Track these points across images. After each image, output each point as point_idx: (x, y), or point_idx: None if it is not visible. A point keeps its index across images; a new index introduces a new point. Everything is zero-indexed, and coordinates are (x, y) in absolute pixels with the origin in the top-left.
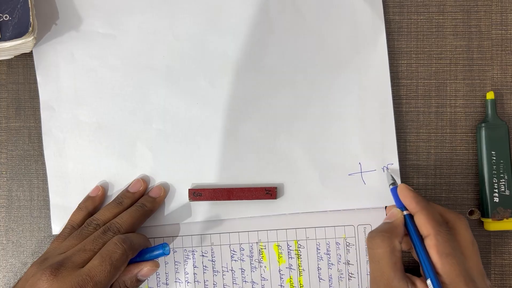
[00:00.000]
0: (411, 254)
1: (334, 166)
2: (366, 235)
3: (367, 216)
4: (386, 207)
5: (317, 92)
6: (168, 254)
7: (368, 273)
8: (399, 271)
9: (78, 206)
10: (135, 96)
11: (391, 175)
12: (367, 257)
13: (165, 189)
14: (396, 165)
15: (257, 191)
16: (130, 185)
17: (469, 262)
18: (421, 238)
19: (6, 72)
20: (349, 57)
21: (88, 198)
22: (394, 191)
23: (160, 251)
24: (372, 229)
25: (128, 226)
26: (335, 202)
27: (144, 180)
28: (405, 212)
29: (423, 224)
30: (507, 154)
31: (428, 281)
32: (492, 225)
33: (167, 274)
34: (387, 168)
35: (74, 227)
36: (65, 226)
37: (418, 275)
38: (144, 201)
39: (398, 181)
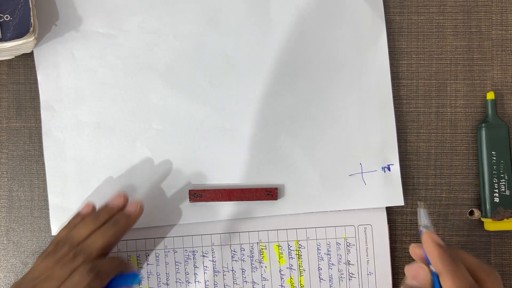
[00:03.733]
0: None
1: (335, 166)
2: (367, 235)
3: (367, 216)
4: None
5: (317, 92)
6: (139, 283)
7: (369, 273)
8: None
9: (67, 223)
10: (135, 96)
11: (423, 214)
12: (368, 257)
13: (142, 205)
14: (397, 165)
15: (257, 191)
16: (111, 198)
17: None
18: None
19: (6, 72)
20: (350, 57)
21: (77, 216)
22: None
23: (130, 281)
24: (373, 229)
25: (100, 248)
26: (336, 202)
27: (125, 195)
28: (432, 269)
29: None
30: (507, 154)
31: None
32: (492, 225)
33: (167, 275)
34: (422, 207)
35: (59, 245)
36: (51, 242)
37: None
38: (118, 217)
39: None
